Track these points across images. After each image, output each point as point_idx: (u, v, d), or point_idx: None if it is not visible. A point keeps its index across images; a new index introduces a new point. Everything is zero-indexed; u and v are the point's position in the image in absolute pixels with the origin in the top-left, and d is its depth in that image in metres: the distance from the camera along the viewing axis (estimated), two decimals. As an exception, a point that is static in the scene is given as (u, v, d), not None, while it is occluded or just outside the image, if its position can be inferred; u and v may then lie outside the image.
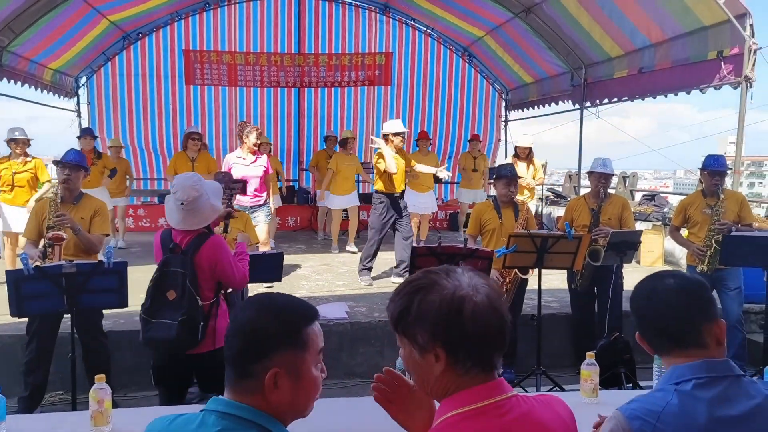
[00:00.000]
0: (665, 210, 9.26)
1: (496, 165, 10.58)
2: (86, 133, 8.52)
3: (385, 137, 6.88)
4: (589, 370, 2.59)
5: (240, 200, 6.51)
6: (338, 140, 9.38)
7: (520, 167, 8.09)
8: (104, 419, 2.27)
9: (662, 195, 10.60)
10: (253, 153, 6.66)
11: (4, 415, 2.26)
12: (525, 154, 8.42)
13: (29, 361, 4.24)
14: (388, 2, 11.38)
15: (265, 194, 6.72)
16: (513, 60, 10.63)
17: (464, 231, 10.01)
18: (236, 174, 6.47)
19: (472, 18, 10.08)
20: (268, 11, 11.38)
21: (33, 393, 4.25)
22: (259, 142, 6.73)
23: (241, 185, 5.51)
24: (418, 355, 1.24)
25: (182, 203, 3.15)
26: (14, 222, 6.63)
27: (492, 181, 6.16)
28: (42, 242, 4.28)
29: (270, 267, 4.01)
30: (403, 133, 6.94)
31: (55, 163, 4.54)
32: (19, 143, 6.66)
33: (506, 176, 5.00)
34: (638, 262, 8.34)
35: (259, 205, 6.66)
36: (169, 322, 3.17)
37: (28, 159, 6.75)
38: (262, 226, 6.62)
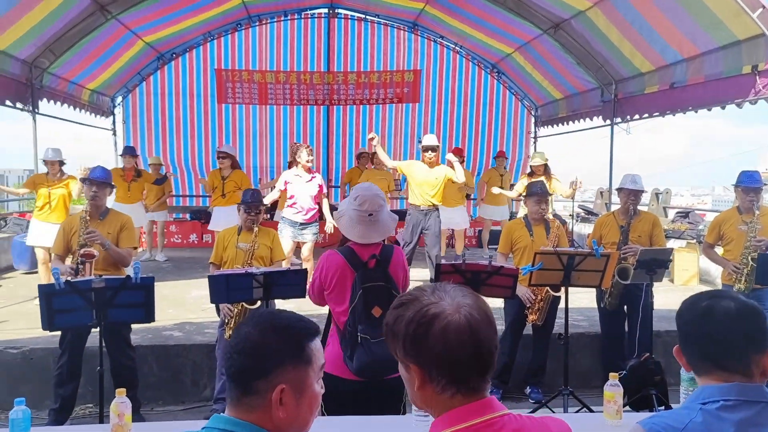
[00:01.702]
0: (700, 227, 9.03)
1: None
2: (127, 152, 8.77)
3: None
4: (613, 391, 2.52)
5: (292, 217, 6.66)
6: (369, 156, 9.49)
7: None
8: (124, 433, 2.30)
9: (697, 212, 10.34)
10: (309, 171, 6.81)
11: (29, 426, 2.30)
12: (541, 172, 8.30)
13: (60, 374, 4.32)
14: (417, 20, 11.46)
15: (314, 212, 6.81)
16: (542, 76, 10.58)
17: (488, 247, 9.95)
18: (292, 190, 6.69)
19: (500, 35, 10.08)
20: (298, 30, 11.57)
21: (63, 405, 4.33)
22: (312, 158, 6.86)
23: (269, 205, 5.58)
24: (404, 369, 1.26)
25: (370, 214, 2.97)
26: (50, 238, 6.82)
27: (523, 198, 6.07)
28: (70, 258, 4.39)
29: (294, 283, 4.01)
30: (434, 147, 6.92)
31: (83, 180, 4.66)
32: (55, 163, 6.88)
33: (537, 194, 4.95)
34: (672, 281, 8.15)
35: (310, 223, 6.76)
36: None
37: (63, 177, 6.95)
38: (309, 244, 6.74)
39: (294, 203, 6.71)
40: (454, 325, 1.16)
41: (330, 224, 6.91)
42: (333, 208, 11.54)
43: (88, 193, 4.48)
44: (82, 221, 4.35)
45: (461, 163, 9.03)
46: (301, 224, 6.68)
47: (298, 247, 6.96)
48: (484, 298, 1.30)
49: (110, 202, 8.78)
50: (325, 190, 7.07)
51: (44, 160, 7.07)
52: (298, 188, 6.70)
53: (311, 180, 6.76)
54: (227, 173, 8.19)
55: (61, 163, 6.97)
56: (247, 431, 1.19)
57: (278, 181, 6.96)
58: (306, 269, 4.09)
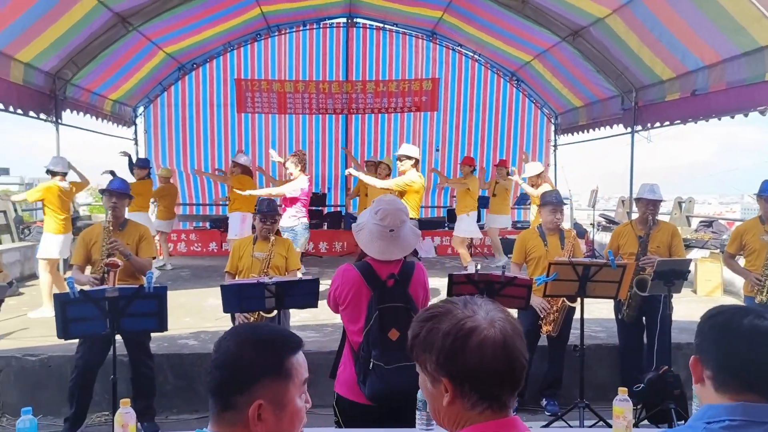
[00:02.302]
0: (724, 237, 8.86)
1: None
2: (140, 164, 8.85)
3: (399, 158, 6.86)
4: (622, 406, 2.46)
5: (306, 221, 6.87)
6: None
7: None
8: (129, 444, 2.31)
9: (721, 221, 10.15)
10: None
11: (36, 436, 2.32)
12: (537, 182, 8.41)
13: (74, 383, 4.36)
14: (435, 29, 11.46)
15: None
16: (561, 84, 10.50)
17: (497, 256, 9.88)
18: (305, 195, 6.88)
19: (519, 43, 10.03)
20: (316, 40, 11.66)
21: (77, 413, 4.37)
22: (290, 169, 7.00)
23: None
24: (430, 384, 1.22)
25: (391, 230, 2.80)
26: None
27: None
28: (90, 268, 4.44)
29: (307, 293, 4.01)
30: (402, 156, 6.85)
31: (102, 192, 4.72)
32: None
33: (552, 203, 4.89)
34: (694, 292, 7.99)
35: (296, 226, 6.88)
36: (407, 364, 2.60)
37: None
38: (298, 249, 6.81)
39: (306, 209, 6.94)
40: (491, 339, 1.15)
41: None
42: (352, 218, 11.71)
43: (107, 204, 4.53)
44: (105, 231, 4.41)
45: (471, 172, 9.04)
46: (290, 228, 6.80)
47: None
48: None
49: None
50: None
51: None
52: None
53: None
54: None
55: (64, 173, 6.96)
56: None
57: (292, 183, 6.91)
58: (318, 279, 4.07)
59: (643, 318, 5.04)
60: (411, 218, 6.64)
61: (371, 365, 2.69)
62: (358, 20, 11.76)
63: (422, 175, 6.98)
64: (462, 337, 1.16)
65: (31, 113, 7.65)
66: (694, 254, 8.72)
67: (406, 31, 11.78)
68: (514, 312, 4.77)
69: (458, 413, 1.19)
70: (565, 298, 4.64)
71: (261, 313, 4.27)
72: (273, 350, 1.23)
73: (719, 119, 7.27)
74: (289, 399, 1.23)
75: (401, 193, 6.58)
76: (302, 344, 1.31)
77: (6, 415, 4.93)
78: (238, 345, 1.23)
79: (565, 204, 5.14)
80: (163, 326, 3.81)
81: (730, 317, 1.45)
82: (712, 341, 1.44)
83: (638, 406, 4.32)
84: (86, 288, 3.85)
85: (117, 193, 4.52)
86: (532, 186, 8.39)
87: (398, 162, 6.86)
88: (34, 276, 8.94)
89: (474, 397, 1.16)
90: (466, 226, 8.89)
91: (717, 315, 1.47)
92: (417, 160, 6.82)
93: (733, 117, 7.03)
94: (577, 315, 4.69)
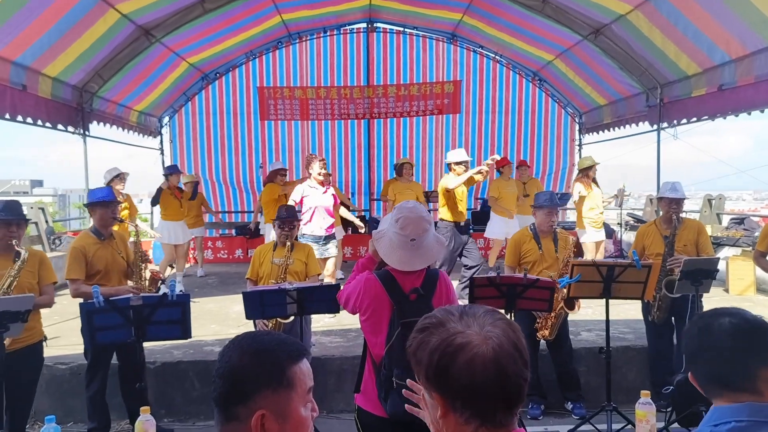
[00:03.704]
0: (756, 234, 8.64)
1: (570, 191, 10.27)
2: (174, 170, 8.97)
3: (450, 166, 6.92)
4: (645, 410, 2.41)
5: (315, 231, 6.58)
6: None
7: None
8: (150, 451, 2.33)
9: (753, 218, 9.90)
10: (321, 184, 6.74)
11: (60, 444, 2.36)
12: (592, 175, 8.24)
13: (95, 394, 4.38)
14: (455, 31, 11.42)
15: (332, 225, 6.76)
16: (585, 82, 10.37)
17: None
18: (309, 203, 6.59)
19: (540, 42, 9.94)
20: (337, 46, 11.71)
21: (100, 425, 4.40)
22: (324, 171, 6.76)
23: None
24: (427, 394, 1.20)
25: (413, 240, 2.65)
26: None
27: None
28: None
29: (327, 299, 4.01)
30: (465, 161, 6.90)
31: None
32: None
33: (546, 206, 4.81)
34: (726, 291, 7.80)
35: (331, 236, 6.70)
36: None
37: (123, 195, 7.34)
38: (333, 259, 6.69)
39: (312, 217, 6.59)
40: (480, 357, 1.10)
41: (359, 223, 7.25)
42: (376, 222, 11.70)
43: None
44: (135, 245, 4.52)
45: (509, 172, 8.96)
46: (324, 238, 6.59)
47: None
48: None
49: (157, 219, 9.08)
50: (337, 202, 6.99)
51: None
52: (316, 201, 6.59)
53: (326, 192, 6.72)
54: (286, 190, 8.23)
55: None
56: None
57: (294, 193, 6.79)
58: (339, 284, 4.07)
59: (673, 319, 4.94)
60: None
61: (395, 384, 2.60)
62: (378, 25, 11.78)
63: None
64: (450, 354, 1.11)
65: (60, 126, 7.82)
66: (725, 252, 8.52)
67: (426, 34, 11.77)
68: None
69: (453, 427, 1.15)
70: (563, 305, 4.56)
71: (278, 319, 4.29)
72: (274, 360, 1.22)
73: (749, 114, 7.10)
74: (292, 409, 1.21)
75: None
76: (306, 353, 1.29)
77: (38, 423, 5.03)
78: (240, 355, 1.22)
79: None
80: (186, 334, 3.85)
81: (691, 326, 1.53)
82: (688, 353, 1.52)
83: (668, 409, 4.23)
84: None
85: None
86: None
87: (456, 166, 6.84)
88: (65, 285, 9.12)
89: (466, 414, 1.12)
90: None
91: (687, 326, 1.56)
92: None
93: (763, 111, 6.86)
94: (600, 317, 4.61)
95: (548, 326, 4.70)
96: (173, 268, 8.87)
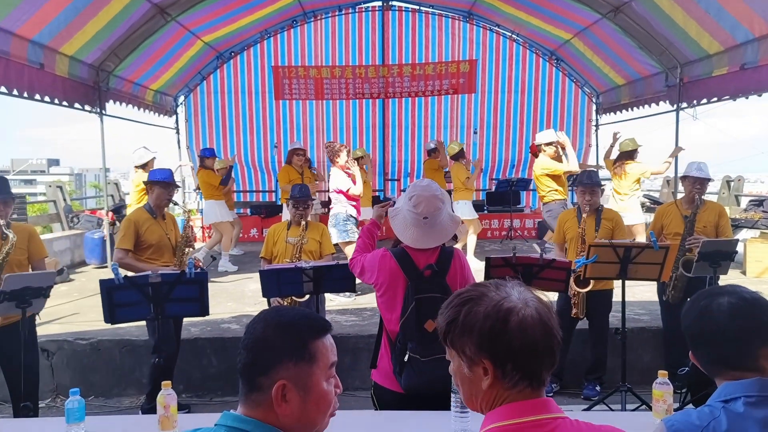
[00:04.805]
0: (775, 216, 8.54)
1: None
2: (210, 154, 9.00)
3: (538, 147, 7.20)
4: (662, 389, 2.41)
5: (338, 214, 6.74)
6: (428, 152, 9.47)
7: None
8: (170, 423, 2.37)
9: (773, 200, 9.76)
10: (345, 170, 6.87)
11: (83, 416, 2.40)
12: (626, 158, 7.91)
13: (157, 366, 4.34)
14: (472, 9, 11.28)
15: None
16: (603, 62, 10.22)
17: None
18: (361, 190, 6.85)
19: (558, 21, 9.79)
20: (352, 25, 11.62)
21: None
22: (350, 158, 6.96)
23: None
24: (467, 369, 1.22)
25: (426, 218, 2.69)
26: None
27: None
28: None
29: (344, 277, 4.03)
30: (554, 142, 7.08)
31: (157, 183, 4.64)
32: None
33: (582, 183, 4.80)
34: (744, 273, 7.74)
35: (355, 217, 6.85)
36: (443, 356, 2.69)
37: None
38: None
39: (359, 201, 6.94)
40: (529, 318, 1.17)
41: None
42: (377, 202, 11.71)
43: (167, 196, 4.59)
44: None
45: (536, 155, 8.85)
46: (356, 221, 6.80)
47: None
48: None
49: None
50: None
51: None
52: (353, 189, 6.82)
53: (355, 182, 6.87)
54: (301, 169, 8.35)
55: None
56: (252, 427, 1.20)
57: (343, 180, 6.85)
58: (355, 263, 4.09)
59: (688, 299, 4.91)
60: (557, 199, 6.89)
61: (407, 357, 2.65)
62: (394, 3, 11.67)
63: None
64: (502, 318, 1.17)
65: (77, 105, 7.85)
66: (743, 234, 8.43)
67: (442, 12, 11.64)
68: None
69: (497, 394, 1.20)
70: (573, 283, 4.54)
71: (294, 298, 4.32)
72: (296, 332, 1.25)
73: (774, 93, 6.96)
74: (314, 382, 1.24)
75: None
76: (329, 328, 1.31)
77: (60, 396, 5.14)
78: (264, 327, 1.26)
79: (603, 186, 4.99)
80: (204, 311, 3.90)
81: (690, 306, 1.55)
82: (689, 334, 1.54)
83: (683, 390, 4.23)
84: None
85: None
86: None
87: (546, 147, 7.08)
88: (83, 263, 9.26)
89: (516, 377, 1.18)
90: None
91: (686, 307, 1.58)
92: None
93: (786, 91, 6.73)
94: (616, 298, 4.60)
95: (574, 303, 4.71)
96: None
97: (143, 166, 7.70)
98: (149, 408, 4.23)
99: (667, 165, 7.78)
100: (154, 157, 7.89)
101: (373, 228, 3.13)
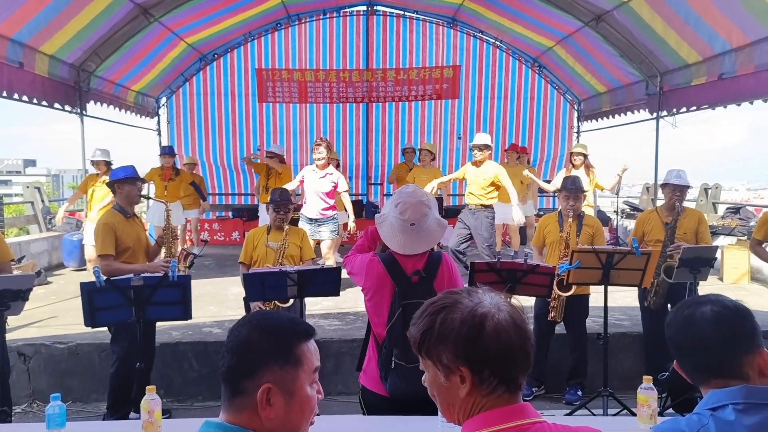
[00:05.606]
0: (751, 223, 8.69)
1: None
2: (166, 152, 8.97)
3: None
4: (646, 394, 2.44)
5: (305, 213, 6.70)
6: (416, 152, 9.53)
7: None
8: (155, 428, 2.34)
9: (748, 207, 9.95)
10: (322, 168, 6.79)
11: (65, 421, 2.36)
12: (579, 162, 7.97)
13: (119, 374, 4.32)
14: (456, 15, 11.35)
15: (327, 208, 6.80)
16: (584, 69, 10.35)
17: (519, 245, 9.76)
18: (306, 186, 6.80)
19: (541, 28, 9.89)
20: (336, 28, 11.63)
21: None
22: (320, 156, 6.75)
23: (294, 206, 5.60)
24: (444, 378, 1.21)
25: (412, 224, 2.68)
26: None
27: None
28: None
29: (328, 281, 4.02)
30: (479, 145, 7.04)
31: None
32: (100, 163, 7.14)
33: (566, 188, 4.85)
34: (721, 279, 7.86)
35: (324, 219, 6.75)
36: None
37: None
38: (327, 241, 6.75)
39: (305, 199, 6.87)
40: (503, 323, 1.18)
41: (351, 224, 7.11)
42: (373, 207, 11.70)
43: (137, 192, 4.50)
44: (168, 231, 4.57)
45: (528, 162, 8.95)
46: (315, 220, 6.74)
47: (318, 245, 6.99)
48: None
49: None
50: (345, 188, 7.02)
51: (92, 161, 7.35)
52: (309, 184, 6.79)
53: (324, 177, 6.79)
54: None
55: (108, 163, 7.20)
56: None
57: (299, 174, 7.07)
58: (339, 267, 4.08)
59: (669, 305, 4.98)
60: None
61: (393, 363, 2.66)
62: (378, 8, 11.69)
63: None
64: (478, 323, 1.17)
65: (56, 105, 7.76)
66: (720, 241, 8.57)
67: (426, 18, 11.69)
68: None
69: (475, 401, 1.19)
70: (556, 287, 4.58)
71: (276, 302, 4.30)
72: (282, 336, 1.23)
73: (751, 103, 7.10)
74: (298, 386, 1.22)
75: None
76: (313, 333, 1.30)
77: (36, 401, 5.05)
78: (249, 330, 1.24)
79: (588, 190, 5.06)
80: (187, 314, 3.85)
81: (673, 316, 1.54)
82: (673, 344, 1.53)
83: (663, 395, 4.28)
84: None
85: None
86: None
87: (477, 152, 7.00)
88: (61, 265, 9.12)
89: (494, 382, 1.17)
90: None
91: (669, 316, 1.57)
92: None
93: (765, 101, 6.86)
94: (600, 303, 4.65)
95: (553, 308, 4.74)
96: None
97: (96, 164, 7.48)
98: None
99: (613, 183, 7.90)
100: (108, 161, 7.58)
101: (376, 231, 3.10)
